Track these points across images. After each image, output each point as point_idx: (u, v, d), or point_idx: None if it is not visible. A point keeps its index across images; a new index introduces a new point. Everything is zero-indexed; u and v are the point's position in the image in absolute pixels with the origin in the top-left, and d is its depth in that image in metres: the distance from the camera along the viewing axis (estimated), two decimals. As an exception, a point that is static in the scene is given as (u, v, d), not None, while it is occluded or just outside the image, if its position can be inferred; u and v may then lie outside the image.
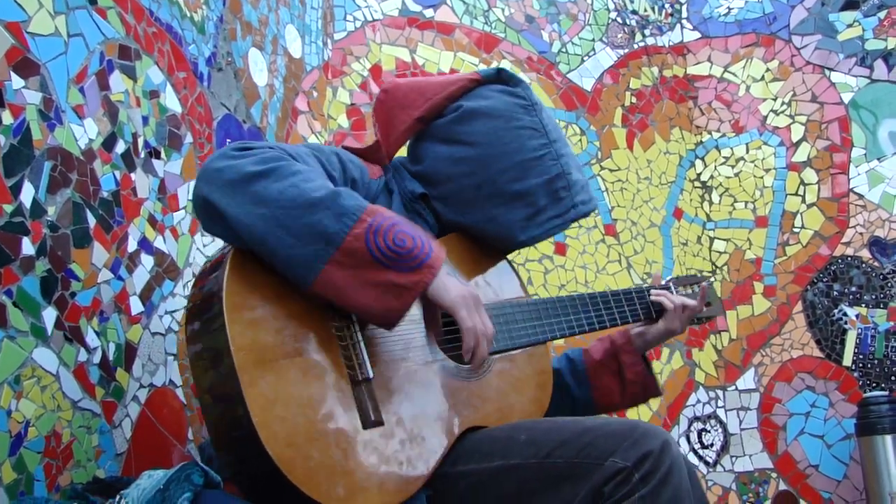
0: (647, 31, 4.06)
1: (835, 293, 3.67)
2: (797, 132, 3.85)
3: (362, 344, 1.55)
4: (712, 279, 2.31)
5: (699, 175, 4.04)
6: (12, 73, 1.62)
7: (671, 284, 2.16)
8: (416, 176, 1.84)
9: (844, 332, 3.64)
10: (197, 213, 1.55)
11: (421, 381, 1.62)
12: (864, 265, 3.64)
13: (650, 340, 2.08)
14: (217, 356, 1.46)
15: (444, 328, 1.71)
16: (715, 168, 4.02)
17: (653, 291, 2.10)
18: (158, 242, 2.02)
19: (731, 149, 4.00)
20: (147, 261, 1.97)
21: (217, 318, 1.46)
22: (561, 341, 3.28)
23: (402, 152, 1.92)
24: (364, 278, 1.46)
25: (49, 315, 1.66)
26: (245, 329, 1.46)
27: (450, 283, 1.56)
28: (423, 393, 1.61)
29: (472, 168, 1.78)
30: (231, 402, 1.43)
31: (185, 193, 2.13)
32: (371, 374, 1.53)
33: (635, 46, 4.01)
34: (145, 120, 2.02)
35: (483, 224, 1.79)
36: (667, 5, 4.16)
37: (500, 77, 1.86)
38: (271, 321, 1.49)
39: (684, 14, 4.17)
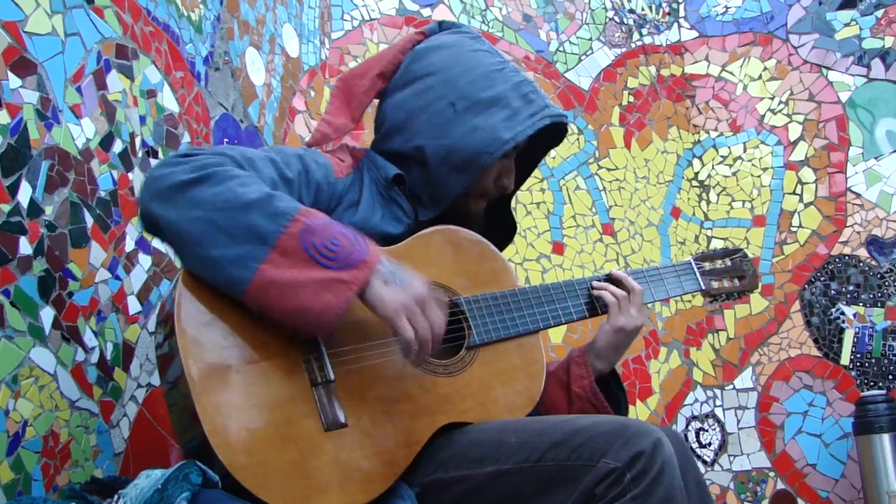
0: (644, 31, 4.06)
1: (832, 292, 3.68)
2: (795, 131, 3.85)
3: (323, 346, 1.54)
4: (745, 250, 2.19)
5: (697, 174, 4.04)
6: (9, 73, 1.62)
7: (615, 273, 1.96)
8: (386, 137, 1.83)
9: (842, 330, 3.64)
10: (141, 222, 1.55)
11: (389, 378, 1.59)
12: (861, 264, 3.64)
13: (606, 346, 1.89)
14: (172, 366, 1.47)
15: None
16: (713, 167, 4.03)
17: (594, 283, 1.93)
18: (156, 242, 2.01)
19: (729, 148, 4.00)
20: (145, 260, 1.97)
21: (170, 327, 1.47)
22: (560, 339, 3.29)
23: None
24: (300, 276, 1.44)
25: (47, 315, 1.65)
26: (197, 337, 1.46)
27: (387, 293, 1.50)
28: (391, 391, 1.59)
29: (440, 92, 1.79)
30: (186, 412, 1.43)
31: (182, 193, 2.13)
32: (332, 376, 1.52)
33: (633, 46, 4.01)
34: (143, 119, 2.02)
35: (468, 137, 1.76)
36: (664, 4, 4.16)
37: (443, 27, 1.94)
38: (226, 328, 1.49)
39: (682, 13, 4.17)
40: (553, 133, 1.95)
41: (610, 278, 1.95)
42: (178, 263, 2.09)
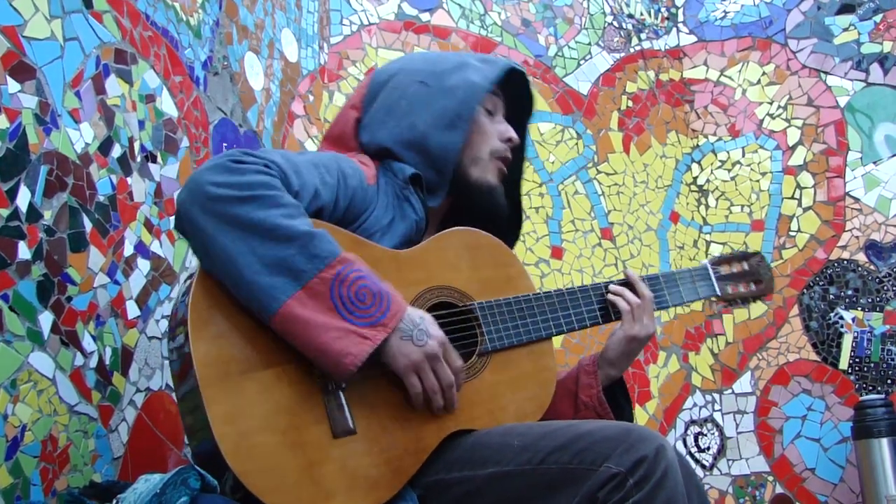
0: (643, 35, 4.07)
1: (831, 297, 3.68)
2: (793, 136, 3.85)
3: None
4: (762, 254, 2.16)
5: (695, 179, 4.05)
6: (8, 77, 1.62)
7: (630, 276, 1.94)
8: (373, 140, 1.86)
9: (841, 335, 3.64)
10: (176, 220, 1.55)
11: (399, 385, 1.58)
12: (860, 268, 3.65)
13: (619, 355, 1.90)
14: (183, 371, 1.47)
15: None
16: (711, 172, 4.03)
17: (611, 288, 1.92)
18: (155, 246, 2.02)
19: (728, 152, 4.00)
20: (143, 265, 1.97)
21: (183, 334, 1.47)
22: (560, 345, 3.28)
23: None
24: (321, 321, 1.46)
25: (45, 319, 1.66)
26: (210, 343, 1.46)
27: (400, 349, 1.53)
28: (400, 398, 1.59)
29: (409, 79, 1.87)
30: (197, 416, 1.44)
31: (181, 197, 2.13)
32: (343, 383, 1.52)
33: (631, 50, 4.01)
34: (141, 124, 2.02)
35: (448, 97, 1.82)
36: (663, 9, 4.17)
37: None
38: (238, 334, 1.49)
39: (680, 18, 4.17)
40: (523, 100, 2.02)
41: (625, 281, 1.93)
42: (176, 267, 2.09)
